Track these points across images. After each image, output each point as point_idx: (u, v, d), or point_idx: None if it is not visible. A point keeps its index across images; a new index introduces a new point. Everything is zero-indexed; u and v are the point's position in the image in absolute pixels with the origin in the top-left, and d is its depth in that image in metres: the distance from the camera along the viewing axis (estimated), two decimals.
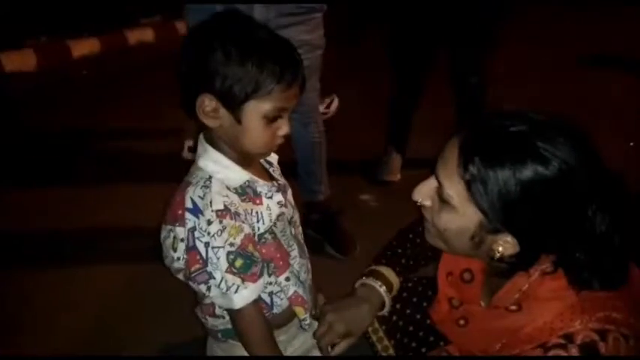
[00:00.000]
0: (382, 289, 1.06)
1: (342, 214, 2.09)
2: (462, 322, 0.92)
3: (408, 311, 1.13)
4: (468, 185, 0.77)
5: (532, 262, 0.81)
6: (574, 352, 0.74)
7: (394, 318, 1.12)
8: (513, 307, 0.82)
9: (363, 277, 1.08)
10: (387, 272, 1.09)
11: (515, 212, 0.75)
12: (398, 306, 1.13)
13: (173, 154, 2.42)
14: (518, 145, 0.75)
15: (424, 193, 0.87)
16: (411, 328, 1.13)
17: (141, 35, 4.41)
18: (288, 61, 0.85)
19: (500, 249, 0.79)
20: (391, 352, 1.13)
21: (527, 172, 0.73)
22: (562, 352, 0.75)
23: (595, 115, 2.83)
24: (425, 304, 1.13)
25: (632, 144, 2.73)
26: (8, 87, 3.39)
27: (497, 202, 0.75)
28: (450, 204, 0.80)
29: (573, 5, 4.85)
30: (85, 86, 3.54)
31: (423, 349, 1.11)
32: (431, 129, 2.60)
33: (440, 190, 0.82)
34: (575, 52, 3.95)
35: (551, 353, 0.75)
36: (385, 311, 1.08)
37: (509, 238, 0.78)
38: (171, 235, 0.90)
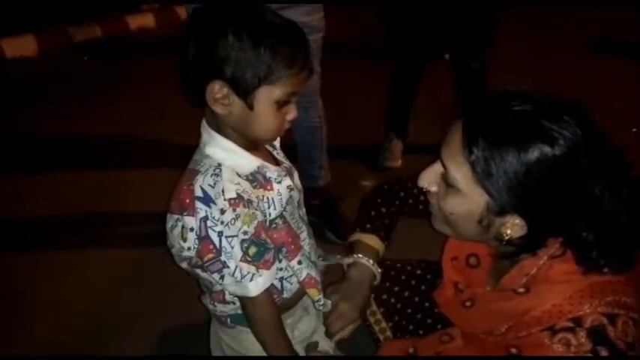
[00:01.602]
0: (374, 267, 1.06)
1: (342, 200, 2.09)
2: (468, 303, 0.92)
3: (406, 294, 1.14)
4: (473, 167, 0.76)
5: (541, 243, 0.81)
6: (582, 335, 0.74)
7: (392, 300, 1.13)
8: (521, 290, 0.82)
9: (353, 255, 1.08)
10: (373, 241, 1.09)
11: (523, 192, 0.75)
12: (396, 289, 1.14)
13: (175, 138, 2.42)
14: (522, 124, 0.74)
15: (429, 179, 0.86)
16: (409, 311, 1.14)
17: (142, 21, 4.39)
18: (299, 45, 0.84)
19: (509, 231, 0.79)
20: (389, 334, 1.14)
21: (533, 151, 0.73)
22: (570, 336, 0.75)
23: (604, 102, 2.83)
24: (423, 287, 1.14)
25: (634, 130, 2.72)
26: (9, 72, 3.38)
27: (503, 183, 0.75)
28: (456, 187, 0.80)
29: None
30: (86, 71, 3.53)
31: (421, 332, 1.12)
32: (432, 115, 2.60)
33: (445, 174, 0.82)
34: (585, 38, 3.89)
35: (559, 336, 0.76)
36: (377, 282, 1.09)
37: (517, 220, 0.78)
38: (179, 224, 0.89)
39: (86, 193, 2.25)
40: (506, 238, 0.80)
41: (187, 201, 0.87)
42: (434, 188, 0.86)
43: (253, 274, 0.87)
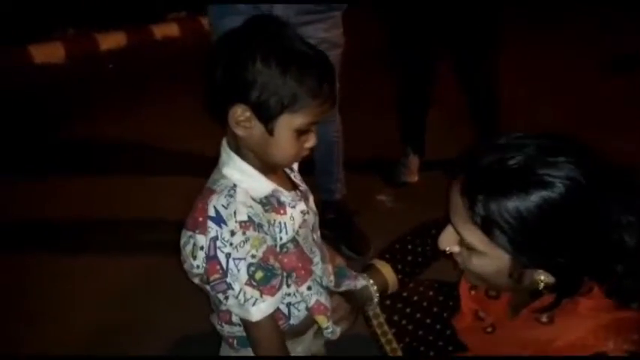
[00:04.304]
0: (373, 288, 1.07)
1: (358, 214, 2.10)
2: (489, 329, 0.91)
3: (418, 316, 1.13)
4: (484, 229, 0.76)
5: (577, 287, 0.79)
6: None
7: (404, 322, 1.13)
8: (545, 320, 0.81)
9: (359, 274, 1.08)
10: (385, 269, 1.09)
11: (538, 243, 0.74)
12: (408, 310, 1.13)
13: (196, 147, 2.44)
14: (518, 177, 0.74)
15: (448, 241, 0.86)
16: (420, 333, 1.13)
17: (166, 30, 4.47)
18: (326, 76, 0.84)
19: (542, 277, 0.78)
20: (399, 354, 1.13)
21: (534, 200, 0.72)
22: None
23: (622, 120, 2.78)
24: (435, 309, 1.13)
25: None
26: (37, 78, 3.47)
27: (516, 238, 0.75)
28: (476, 250, 0.80)
29: (600, 5, 4.71)
30: (111, 79, 3.60)
31: (432, 353, 1.11)
32: (448, 129, 2.59)
33: (461, 239, 0.82)
34: (601, 55, 3.85)
35: None
36: (372, 307, 1.09)
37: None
38: (192, 241, 0.89)
39: (102, 198, 2.29)
40: (542, 286, 0.79)
41: (200, 219, 0.87)
42: (456, 249, 0.85)
43: (256, 299, 0.87)
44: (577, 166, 0.73)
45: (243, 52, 0.82)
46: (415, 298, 1.15)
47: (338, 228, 1.99)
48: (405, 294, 1.15)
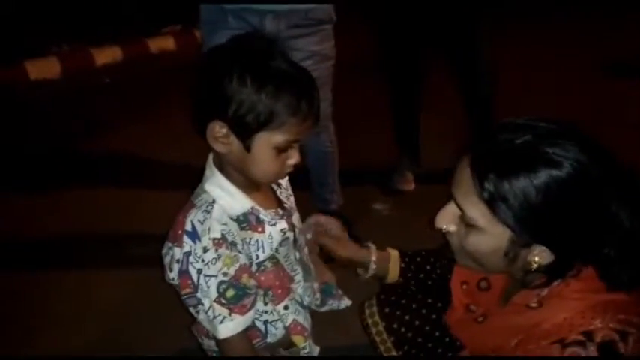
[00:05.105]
0: (372, 267, 1.10)
1: (355, 223, 2.09)
2: (480, 319, 0.93)
3: (417, 323, 1.14)
4: (489, 204, 0.77)
5: (569, 267, 0.81)
6: (592, 349, 0.74)
7: (403, 330, 1.13)
8: (534, 304, 0.82)
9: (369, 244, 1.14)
10: (392, 252, 1.14)
11: (542, 221, 0.76)
12: (407, 317, 1.13)
13: (193, 160, 2.44)
14: (527, 155, 0.76)
15: (446, 220, 0.86)
16: (419, 340, 1.13)
17: (162, 43, 4.49)
18: (304, 94, 0.83)
19: (537, 258, 0.79)
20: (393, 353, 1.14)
21: (543, 177, 0.74)
22: (580, 349, 0.74)
23: (617, 126, 2.80)
24: (434, 315, 1.14)
25: None
26: (33, 94, 3.48)
27: (521, 215, 0.76)
28: (476, 226, 0.81)
29: (598, 9, 4.76)
30: (107, 94, 3.61)
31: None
32: (444, 137, 2.57)
33: (463, 215, 0.82)
34: (597, 59, 3.88)
35: (569, 349, 0.75)
36: (363, 275, 1.13)
37: (543, 248, 0.78)
38: (170, 253, 0.90)
39: (101, 212, 2.29)
40: (535, 266, 0.80)
41: (179, 232, 0.88)
42: (453, 228, 0.86)
43: (224, 317, 0.87)
44: (583, 149, 0.75)
45: (221, 68, 0.82)
46: (414, 305, 1.15)
47: None
48: (403, 301, 1.16)
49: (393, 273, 1.14)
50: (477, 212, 0.79)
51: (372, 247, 1.14)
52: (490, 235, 0.80)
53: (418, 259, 1.16)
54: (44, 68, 3.77)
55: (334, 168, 2.00)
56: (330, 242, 1.10)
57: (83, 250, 2.09)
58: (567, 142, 0.75)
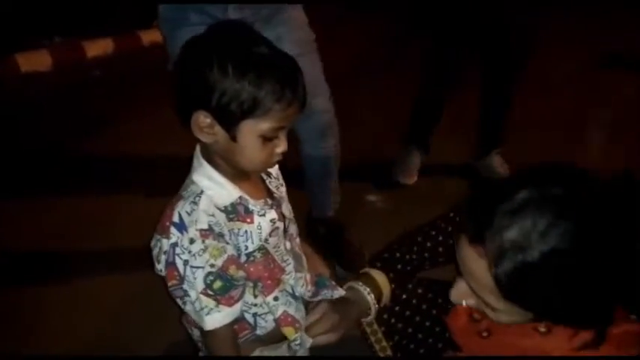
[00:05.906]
0: (370, 297, 1.05)
1: (350, 220, 2.03)
2: (485, 334, 0.91)
3: (407, 313, 1.15)
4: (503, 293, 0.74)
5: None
6: None
7: (393, 320, 1.14)
8: (542, 330, 0.81)
9: (353, 281, 1.07)
10: (379, 277, 1.08)
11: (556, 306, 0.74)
12: (397, 308, 1.14)
13: (187, 155, 2.43)
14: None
15: (462, 297, 0.85)
16: (410, 330, 1.14)
17: (153, 36, 4.45)
18: (288, 79, 0.82)
19: None
20: (389, 353, 1.14)
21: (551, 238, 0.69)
22: None
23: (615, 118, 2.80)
24: (424, 306, 1.14)
25: None
26: (24, 87, 3.45)
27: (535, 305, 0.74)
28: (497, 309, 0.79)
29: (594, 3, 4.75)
30: (97, 87, 3.58)
31: (422, 351, 1.12)
32: (452, 133, 2.51)
33: (479, 299, 0.80)
34: (595, 51, 3.86)
35: None
36: (370, 318, 1.07)
37: None
38: (158, 245, 0.90)
39: (95, 212, 2.26)
40: None
41: (167, 224, 0.88)
42: (472, 302, 0.84)
43: (211, 309, 0.86)
44: (569, 230, 0.69)
45: (201, 57, 0.81)
46: (404, 296, 1.15)
47: (329, 243, 1.91)
48: (397, 308, 1.15)
49: (386, 294, 1.11)
50: (494, 299, 0.77)
51: (361, 288, 1.07)
52: (511, 314, 0.78)
53: (398, 266, 1.13)
54: (35, 61, 3.74)
55: (336, 170, 1.89)
56: (330, 336, 1.04)
57: (78, 248, 2.06)
58: (551, 229, 0.69)
